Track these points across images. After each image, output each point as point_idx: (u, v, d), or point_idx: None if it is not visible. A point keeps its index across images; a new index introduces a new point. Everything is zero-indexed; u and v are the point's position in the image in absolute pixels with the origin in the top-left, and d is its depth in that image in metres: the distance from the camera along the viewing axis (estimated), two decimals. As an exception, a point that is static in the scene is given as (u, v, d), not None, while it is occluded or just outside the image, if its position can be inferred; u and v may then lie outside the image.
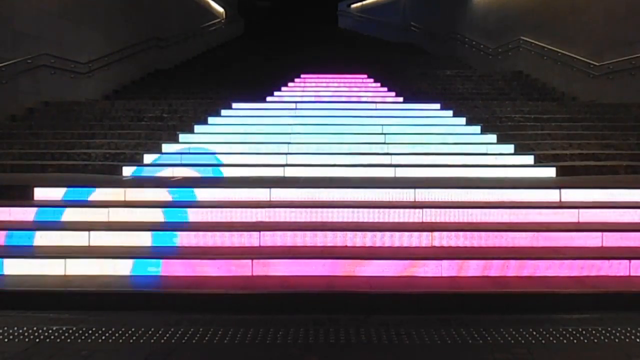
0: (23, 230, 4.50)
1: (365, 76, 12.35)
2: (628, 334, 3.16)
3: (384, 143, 7.96)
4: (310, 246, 4.41)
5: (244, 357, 2.88)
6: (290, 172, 6.91)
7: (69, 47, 10.58)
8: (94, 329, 3.21)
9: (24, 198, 5.34)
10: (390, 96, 10.76)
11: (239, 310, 3.52)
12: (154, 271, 4.01)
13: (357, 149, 7.68)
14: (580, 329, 3.23)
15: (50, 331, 3.17)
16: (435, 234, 4.47)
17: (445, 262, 4.04)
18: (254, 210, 4.91)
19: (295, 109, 9.59)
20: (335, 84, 11.89)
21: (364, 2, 27.46)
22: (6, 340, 3.07)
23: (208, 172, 6.85)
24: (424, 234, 4.48)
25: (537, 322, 3.33)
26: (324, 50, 17.15)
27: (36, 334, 3.14)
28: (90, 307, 3.56)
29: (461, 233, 4.47)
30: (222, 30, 21.15)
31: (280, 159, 7.30)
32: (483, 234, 4.48)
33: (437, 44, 18.97)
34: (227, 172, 6.86)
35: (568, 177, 6.75)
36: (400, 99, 10.38)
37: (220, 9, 21.34)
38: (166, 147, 7.76)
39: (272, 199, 5.35)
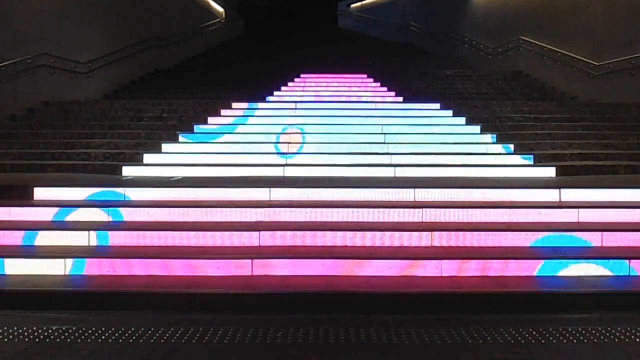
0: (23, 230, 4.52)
1: (365, 76, 12.36)
2: (628, 334, 3.16)
3: (384, 143, 7.97)
4: (310, 246, 4.41)
5: (244, 357, 2.88)
6: (290, 172, 6.91)
7: (69, 47, 10.59)
8: (94, 329, 3.21)
9: (24, 198, 5.34)
10: (390, 96, 10.76)
11: (239, 310, 3.52)
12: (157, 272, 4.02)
13: (357, 149, 7.68)
14: (580, 329, 3.23)
15: (50, 331, 3.17)
16: (435, 234, 4.47)
17: (445, 262, 4.04)
18: (254, 210, 4.91)
19: (296, 109, 9.59)
20: (335, 84, 11.89)
21: (364, 2, 27.46)
22: (6, 340, 3.07)
23: (208, 172, 6.86)
24: (424, 234, 4.48)
25: (537, 322, 3.33)
26: (324, 50, 17.15)
27: (36, 334, 3.14)
28: (91, 307, 3.56)
29: (461, 233, 4.47)
30: (222, 30, 21.16)
31: (280, 159, 7.30)
32: (483, 234, 4.47)
33: (437, 44, 18.97)
34: (227, 172, 6.86)
35: (568, 177, 6.75)
36: (400, 99, 10.38)
37: (220, 9, 21.35)
38: (166, 147, 7.76)
39: (272, 199, 5.35)
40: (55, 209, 4.95)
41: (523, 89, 12.09)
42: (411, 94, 10.74)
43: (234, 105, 9.69)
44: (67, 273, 4.00)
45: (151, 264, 4.04)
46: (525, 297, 3.68)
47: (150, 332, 3.16)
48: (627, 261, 4.05)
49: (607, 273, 4.03)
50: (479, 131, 8.49)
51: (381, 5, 25.61)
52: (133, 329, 3.20)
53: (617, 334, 3.16)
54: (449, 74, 13.46)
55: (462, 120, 8.96)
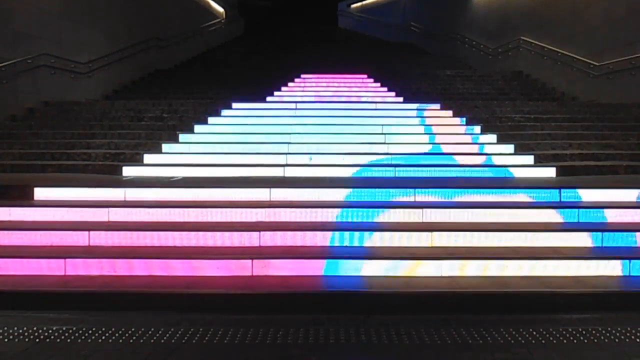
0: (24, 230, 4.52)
1: (365, 76, 12.36)
2: (628, 334, 3.16)
3: (384, 143, 7.96)
4: (310, 246, 4.41)
5: (244, 357, 2.88)
6: (290, 172, 6.91)
7: (69, 47, 10.58)
8: (94, 329, 3.21)
9: (24, 198, 5.34)
10: (390, 96, 10.76)
11: (239, 310, 3.52)
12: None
13: (357, 149, 7.68)
14: (580, 329, 3.23)
15: (50, 331, 3.17)
16: (435, 234, 4.47)
17: (445, 262, 4.04)
18: (254, 210, 4.91)
19: (296, 109, 9.59)
20: (336, 84, 11.89)
21: (364, 2, 27.45)
22: (6, 340, 3.07)
23: (208, 172, 6.86)
24: (424, 234, 4.48)
25: (537, 322, 3.33)
26: (324, 50, 17.16)
27: (36, 334, 3.14)
28: (91, 307, 3.56)
29: (461, 233, 4.47)
30: (222, 30, 21.16)
31: (280, 159, 7.30)
32: (483, 234, 4.48)
33: (437, 44, 18.97)
34: (227, 172, 6.86)
35: (568, 177, 6.75)
36: (401, 99, 10.38)
37: (220, 9, 21.35)
38: (166, 147, 7.76)
39: (272, 199, 5.35)
40: (55, 209, 4.95)
41: (523, 89, 12.09)
42: (411, 94, 10.74)
43: (234, 105, 9.69)
44: (67, 273, 4.00)
45: (151, 264, 4.03)
46: (525, 297, 3.68)
47: (150, 332, 3.16)
48: (627, 261, 4.05)
49: (607, 273, 4.03)
50: (479, 131, 8.49)
51: (381, 5, 25.60)
52: (133, 329, 3.20)
53: (617, 334, 3.16)
54: (449, 74, 13.46)
55: (462, 120, 8.95)
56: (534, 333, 3.16)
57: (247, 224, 4.73)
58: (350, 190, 5.41)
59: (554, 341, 3.06)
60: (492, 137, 8.14)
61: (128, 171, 6.89)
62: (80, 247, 4.37)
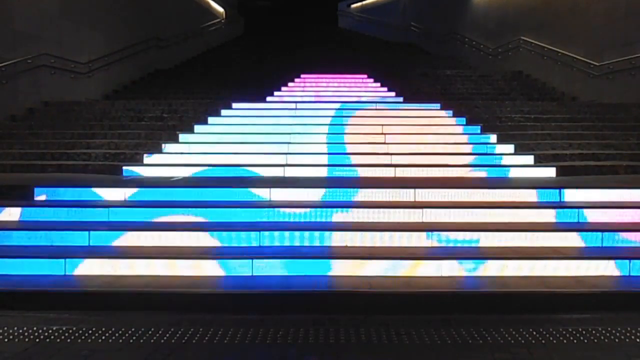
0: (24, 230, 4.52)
1: (365, 76, 12.35)
2: (628, 334, 3.16)
3: (384, 143, 7.96)
4: (310, 246, 4.41)
5: (244, 357, 2.88)
6: (291, 172, 6.91)
7: (69, 47, 10.58)
8: (94, 329, 3.21)
9: (24, 198, 5.34)
10: (390, 96, 10.75)
11: (239, 310, 3.52)
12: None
13: (357, 149, 7.67)
14: (580, 329, 3.23)
15: (50, 331, 3.17)
16: (435, 233, 4.47)
17: (445, 262, 4.04)
18: (254, 210, 4.90)
19: (296, 109, 9.58)
20: (336, 84, 11.88)
21: (364, 2, 27.43)
22: (6, 340, 3.07)
23: (206, 173, 6.86)
24: (424, 234, 4.48)
25: (537, 322, 3.33)
26: (324, 50, 17.15)
27: (36, 334, 3.14)
28: (90, 307, 3.56)
29: (461, 233, 4.47)
30: (222, 30, 21.15)
31: (280, 159, 7.30)
32: (482, 233, 4.48)
33: (437, 44, 18.96)
34: (226, 172, 6.85)
35: (568, 177, 6.75)
36: (400, 99, 10.37)
37: (220, 9, 21.34)
38: (166, 147, 7.76)
39: (272, 199, 5.35)
40: (55, 209, 4.95)
41: (523, 89, 12.09)
42: (411, 94, 10.73)
43: (234, 105, 9.69)
44: (67, 273, 4.00)
45: (151, 263, 4.03)
46: (525, 297, 3.68)
47: (150, 332, 3.16)
48: (627, 261, 4.05)
49: (607, 273, 4.03)
50: (479, 131, 8.48)
51: (381, 5, 25.58)
52: (133, 329, 3.20)
53: (617, 334, 3.16)
54: (449, 73, 13.46)
55: (462, 120, 8.95)
56: (534, 333, 3.16)
57: (247, 224, 4.72)
58: (350, 190, 5.40)
59: (554, 341, 3.06)
60: (492, 137, 8.14)
61: (128, 171, 6.87)
62: (80, 247, 4.37)
